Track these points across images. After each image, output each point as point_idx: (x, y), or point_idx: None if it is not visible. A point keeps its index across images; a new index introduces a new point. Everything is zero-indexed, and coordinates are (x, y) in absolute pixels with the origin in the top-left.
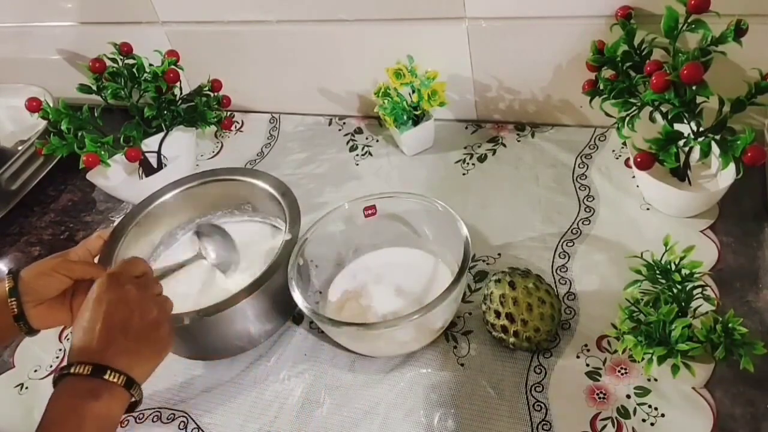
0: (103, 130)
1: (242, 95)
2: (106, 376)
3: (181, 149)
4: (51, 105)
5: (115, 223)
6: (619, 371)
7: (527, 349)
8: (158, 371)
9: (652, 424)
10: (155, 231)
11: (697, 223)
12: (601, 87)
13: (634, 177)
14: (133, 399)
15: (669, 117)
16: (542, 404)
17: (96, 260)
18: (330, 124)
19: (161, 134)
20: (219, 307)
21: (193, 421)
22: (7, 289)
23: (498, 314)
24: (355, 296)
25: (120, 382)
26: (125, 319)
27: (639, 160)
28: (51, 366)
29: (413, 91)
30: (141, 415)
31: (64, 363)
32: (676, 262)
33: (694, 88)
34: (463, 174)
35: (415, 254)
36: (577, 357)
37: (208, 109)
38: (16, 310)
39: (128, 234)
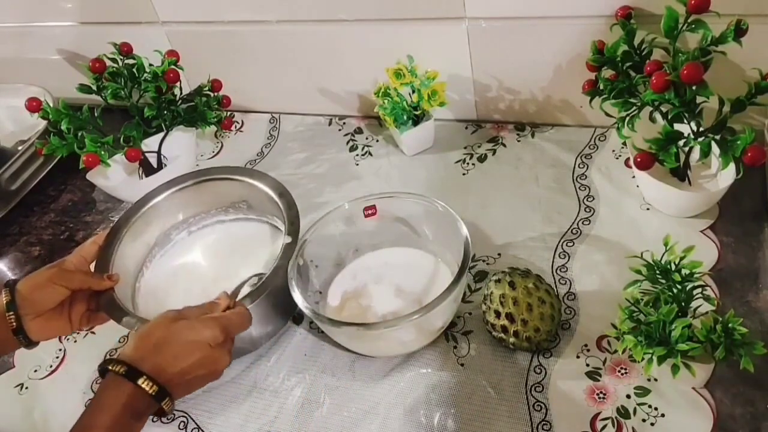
0: (103, 130)
1: (242, 95)
2: (163, 403)
3: (181, 149)
4: (51, 105)
5: (110, 227)
6: (619, 371)
7: (527, 349)
8: None
9: (652, 424)
10: (150, 232)
11: (697, 223)
12: (601, 87)
13: (634, 177)
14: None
15: (669, 117)
16: (542, 404)
17: (92, 266)
18: (330, 124)
19: (161, 134)
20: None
21: (193, 421)
22: (4, 302)
23: (498, 314)
24: (355, 296)
25: (168, 410)
26: (206, 375)
27: (639, 160)
28: (51, 366)
29: (413, 91)
30: None
31: (121, 356)
32: (676, 262)
33: (694, 88)
34: (463, 174)
35: (415, 254)
36: (577, 357)
37: (208, 109)
38: (14, 323)
39: (124, 236)
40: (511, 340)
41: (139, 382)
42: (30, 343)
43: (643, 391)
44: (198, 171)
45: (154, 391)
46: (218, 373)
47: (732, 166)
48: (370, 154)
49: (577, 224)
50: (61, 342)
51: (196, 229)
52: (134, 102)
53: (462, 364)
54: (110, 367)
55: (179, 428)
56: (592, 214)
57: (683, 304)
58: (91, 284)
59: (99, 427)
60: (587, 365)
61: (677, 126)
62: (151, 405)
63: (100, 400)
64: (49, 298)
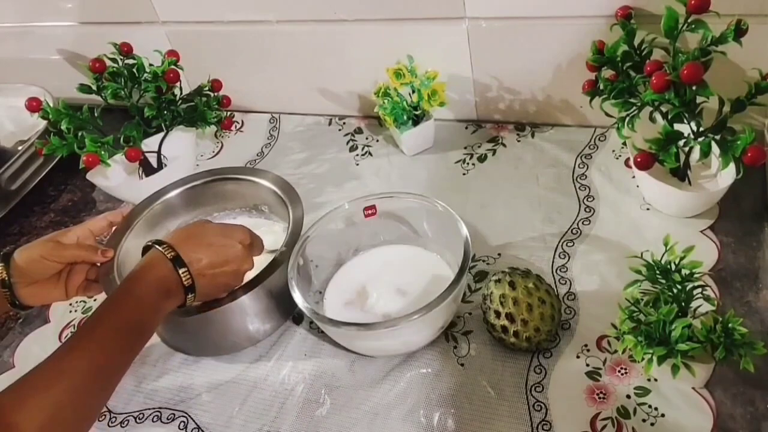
0: (103, 130)
1: (242, 95)
2: (188, 297)
3: (181, 149)
4: (51, 105)
5: (127, 208)
6: (619, 371)
7: (527, 349)
8: (159, 371)
9: (652, 424)
10: (160, 229)
11: (697, 223)
12: (601, 87)
13: (634, 177)
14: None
15: (669, 117)
16: (542, 404)
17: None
18: (330, 124)
19: (161, 134)
20: (219, 302)
21: (193, 421)
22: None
23: (498, 314)
24: (355, 296)
25: (190, 304)
26: (231, 273)
27: (639, 160)
28: None
29: (413, 91)
30: (141, 415)
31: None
32: (676, 262)
33: (694, 88)
34: (463, 174)
35: (415, 254)
36: (577, 357)
37: (208, 109)
38: (6, 286)
39: (134, 228)
40: (511, 340)
41: (181, 272)
42: (22, 307)
43: (643, 391)
44: (211, 170)
45: (188, 283)
46: (241, 275)
47: (732, 166)
48: (370, 154)
49: (577, 224)
50: (60, 341)
51: None
52: (134, 102)
53: (462, 364)
54: (160, 249)
55: (179, 428)
56: (592, 214)
57: (683, 304)
58: (85, 258)
59: (134, 296)
60: (587, 365)
61: (677, 126)
62: (179, 295)
63: (141, 274)
64: (41, 271)
